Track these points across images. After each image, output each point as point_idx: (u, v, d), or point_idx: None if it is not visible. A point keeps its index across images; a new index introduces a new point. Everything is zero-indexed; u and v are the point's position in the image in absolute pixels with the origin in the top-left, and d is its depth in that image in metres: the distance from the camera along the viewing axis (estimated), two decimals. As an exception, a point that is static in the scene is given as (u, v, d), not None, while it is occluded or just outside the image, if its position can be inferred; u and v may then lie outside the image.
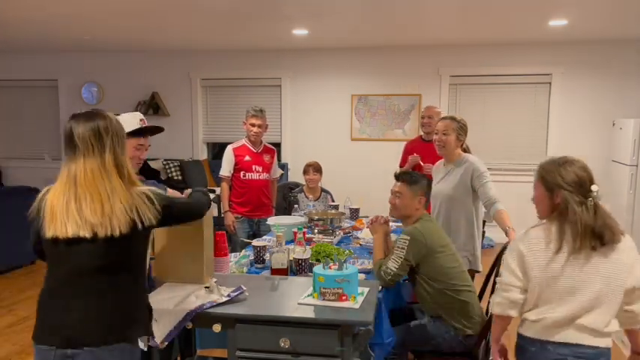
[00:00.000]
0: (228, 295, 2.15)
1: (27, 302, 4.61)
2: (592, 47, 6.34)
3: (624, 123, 5.90)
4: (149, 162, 6.78)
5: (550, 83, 6.51)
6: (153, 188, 1.79)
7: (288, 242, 2.99)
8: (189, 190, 2.32)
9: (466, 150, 3.37)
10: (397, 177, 2.76)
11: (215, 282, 2.25)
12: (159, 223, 1.76)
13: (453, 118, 3.27)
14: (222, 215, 4.16)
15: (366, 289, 2.28)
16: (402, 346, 2.59)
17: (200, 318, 2.07)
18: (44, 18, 5.16)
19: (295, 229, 3.01)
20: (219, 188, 4.29)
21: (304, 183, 4.50)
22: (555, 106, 6.52)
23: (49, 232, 1.66)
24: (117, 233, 1.64)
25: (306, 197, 4.39)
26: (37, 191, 1.80)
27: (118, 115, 1.95)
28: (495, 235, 4.76)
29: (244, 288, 2.20)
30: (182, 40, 6.48)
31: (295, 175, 6.61)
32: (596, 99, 6.42)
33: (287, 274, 2.61)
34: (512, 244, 1.99)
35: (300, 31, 5.79)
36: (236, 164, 4.10)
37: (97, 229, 1.64)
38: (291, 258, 2.66)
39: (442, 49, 6.69)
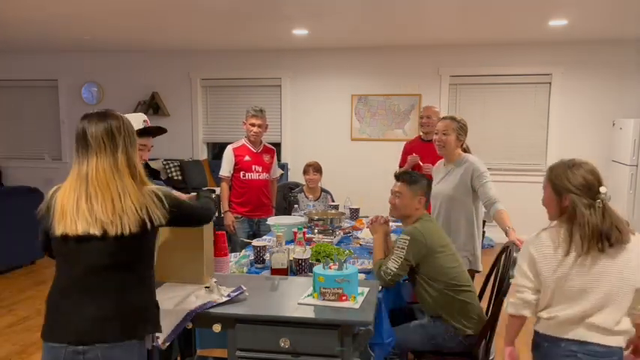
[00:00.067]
0: (228, 295, 2.15)
1: (27, 302, 4.61)
2: (592, 47, 6.34)
3: (624, 123, 5.90)
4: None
5: (550, 83, 6.51)
6: (162, 187, 1.80)
7: (288, 242, 2.99)
8: (193, 194, 2.32)
9: (466, 150, 3.36)
10: (397, 177, 2.76)
11: (215, 282, 2.25)
12: (168, 222, 1.77)
13: (453, 118, 3.27)
14: (222, 215, 4.16)
15: (366, 289, 2.29)
16: (402, 346, 2.59)
17: (200, 318, 2.07)
18: (44, 18, 5.16)
19: (295, 229, 3.01)
20: (219, 188, 4.29)
21: (304, 183, 4.50)
22: (555, 106, 6.52)
23: (58, 230, 1.67)
24: (127, 232, 1.65)
25: (306, 197, 4.39)
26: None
27: None
28: (495, 235, 4.76)
29: (244, 288, 2.20)
30: (182, 40, 6.48)
31: (295, 175, 6.61)
32: (596, 99, 6.42)
33: (287, 274, 2.61)
34: (524, 246, 2.03)
35: (300, 31, 5.79)
36: (236, 164, 4.10)
37: (108, 227, 1.65)
38: (291, 258, 2.67)
39: (442, 49, 6.69)
